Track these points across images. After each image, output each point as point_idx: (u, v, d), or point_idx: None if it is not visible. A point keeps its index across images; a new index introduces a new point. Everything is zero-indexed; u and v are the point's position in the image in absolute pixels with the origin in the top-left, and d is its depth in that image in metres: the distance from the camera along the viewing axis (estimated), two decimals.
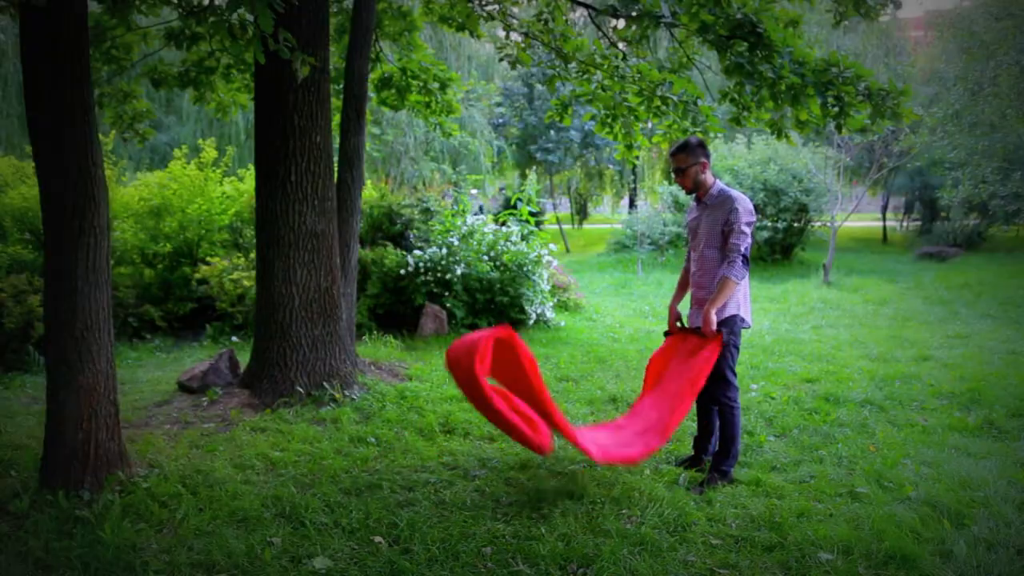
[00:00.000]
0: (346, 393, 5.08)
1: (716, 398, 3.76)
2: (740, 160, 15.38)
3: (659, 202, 18.35)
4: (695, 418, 4.09)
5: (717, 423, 3.86)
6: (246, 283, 7.40)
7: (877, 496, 3.45)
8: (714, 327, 3.57)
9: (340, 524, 3.18)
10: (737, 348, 3.74)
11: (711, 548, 2.99)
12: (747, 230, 3.60)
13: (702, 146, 3.75)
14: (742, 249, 3.58)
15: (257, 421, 4.59)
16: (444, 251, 7.73)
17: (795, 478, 3.70)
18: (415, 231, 8.72)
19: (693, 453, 4.01)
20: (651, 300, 11.03)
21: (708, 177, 3.75)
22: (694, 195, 3.84)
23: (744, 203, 3.63)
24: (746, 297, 3.75)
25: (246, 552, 2.93)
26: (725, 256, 3.63)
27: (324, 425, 4.57)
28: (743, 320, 3.70)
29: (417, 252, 7.81)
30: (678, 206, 16.04)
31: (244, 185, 9.09)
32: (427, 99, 7.63)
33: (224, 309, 7.59)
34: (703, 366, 3.59)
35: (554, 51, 6.34)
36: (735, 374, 3.76)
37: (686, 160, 3.72)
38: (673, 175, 3.86)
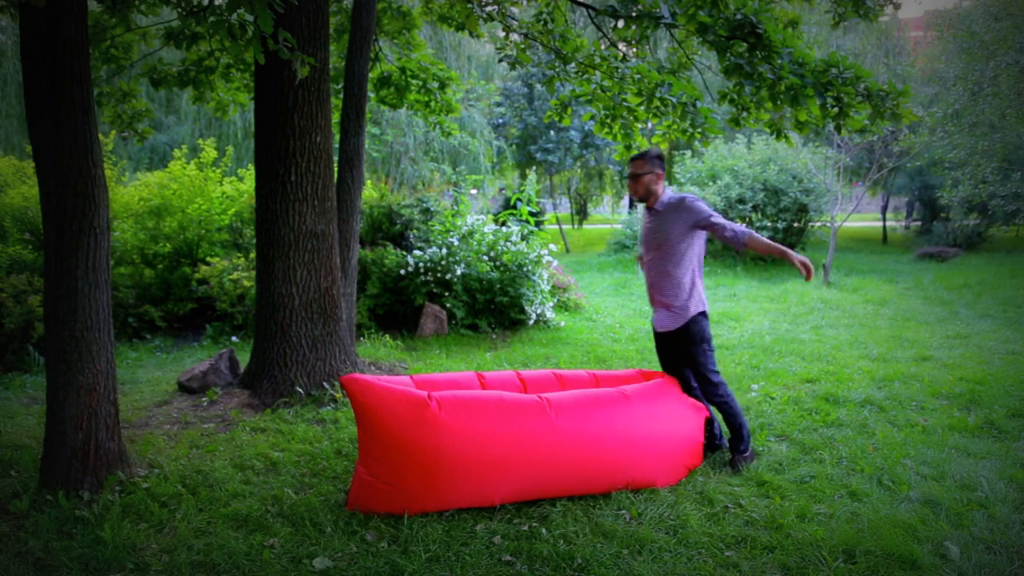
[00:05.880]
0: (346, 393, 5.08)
1: (710, 400, 3.93)
2: (740, 160, 15.38)
3: None
4: None
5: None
6: (246, 283, 7.40)
7: (877, 496, 3.45)
8: (801, 260, 3.57)
9: (340, 524, 3.19)
10: (709, 343, 3.88)
11: (711, 548, 2.99)
12: (714, 213, 3.74)
13: (660, 158, 3.94)
14: (726, 222, 3.71)
15: (257, 421, 4.59)
16: (444, 251, 7.73)
17: (795, 478, 3.70)
18: (415, 231, 8.72)
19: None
20: None
21: (660, 188, 3.92)
22: (644, 204, 4.00)
23: (694, 198, 3.82)
24: (702, 288, 3.93)
25: (246, 552, 2.93)
26: (719, 232, 3.70)
27: (324, 425, 4.57)
28: (704, 314, 3.88)
29: (417, 252, 7.81)
30: None
31: (244, 185, 9.10)
32: (426, 98, 7.64)
33: (224, 309, 7.59)
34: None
35: (553, 52, 6.34)
36: (716, 370, 3.89)
37: (643, 167, 3.90)
38: (627, 180, 4.02)
